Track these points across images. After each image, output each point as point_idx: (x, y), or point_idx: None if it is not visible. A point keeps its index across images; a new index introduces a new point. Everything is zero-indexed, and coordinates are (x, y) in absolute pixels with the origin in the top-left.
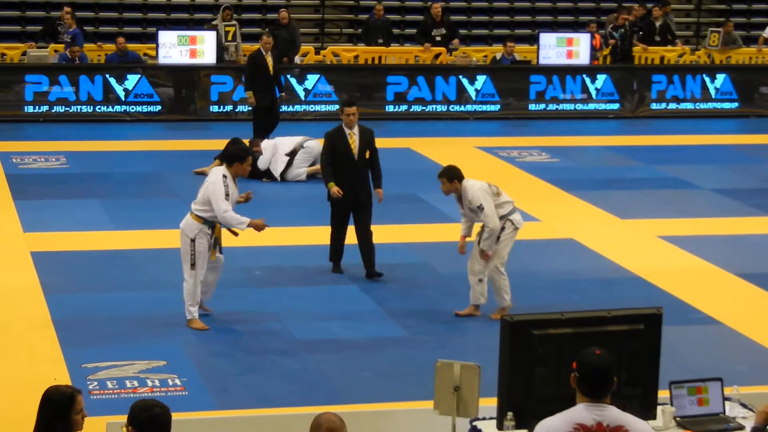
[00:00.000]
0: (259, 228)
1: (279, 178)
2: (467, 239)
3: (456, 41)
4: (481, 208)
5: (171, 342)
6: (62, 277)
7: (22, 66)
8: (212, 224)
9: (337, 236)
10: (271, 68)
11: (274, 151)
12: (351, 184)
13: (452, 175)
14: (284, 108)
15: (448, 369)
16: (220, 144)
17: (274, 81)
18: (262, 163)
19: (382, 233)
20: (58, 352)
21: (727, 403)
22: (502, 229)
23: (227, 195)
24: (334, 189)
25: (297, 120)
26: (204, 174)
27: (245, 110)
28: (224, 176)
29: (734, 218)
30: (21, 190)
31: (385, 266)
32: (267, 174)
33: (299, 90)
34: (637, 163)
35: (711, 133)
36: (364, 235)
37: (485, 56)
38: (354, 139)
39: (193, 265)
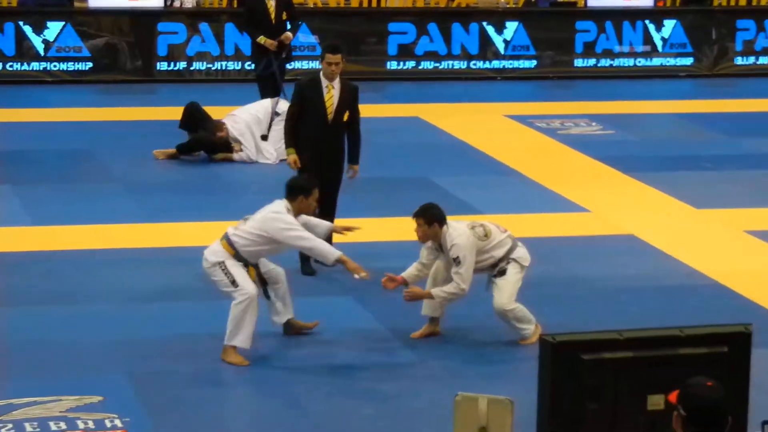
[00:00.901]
0: (355, 270)
1: (277, 161)
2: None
3: None
4: (457, 261)
5: (109, 372)
6: None
7: None
8: (245, 262)
9: None
10: (273, 15)
11: (252, 136)
12: (320, 152)
13: (431, 217)
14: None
15: (471, 405)
16: (169, 112)
17: (277, 32)
18: (248, 156)
19: (385, 228)
20: None
21: None
22: (503, 272)
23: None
24: (291, 158)
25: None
26: (168, 158)
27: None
28: (289, 211)
29: None
30: None
31: (390, 271)
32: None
33: None
34: (716, 135)
35: None
36: (325, 217)
37: None
38: (332, 94)
39: (234, 282)
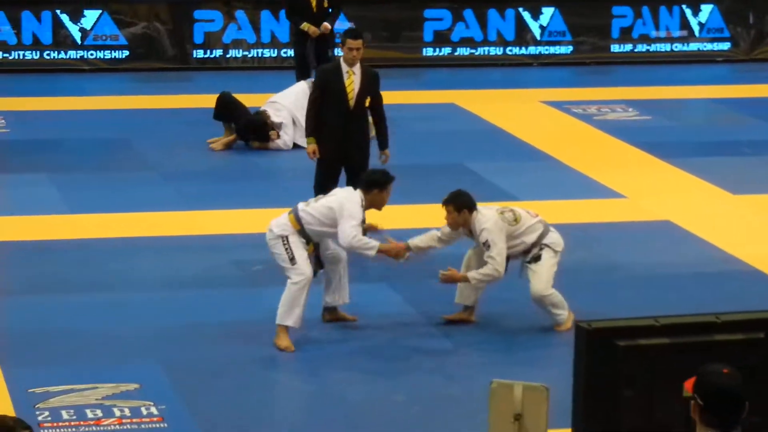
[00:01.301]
0: (397, 255)
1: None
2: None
3: None
4: (487, 245)
5: (145, 360)
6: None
7: None
8: (308, 239)
9: None
10: (314, 3)
11: (294, 123)
12: (341, 139)
13: (461, 204)
14: (290, 53)
15: (506, 392)
16: (205, 100)
17: (319, 20)
18: (284, 143)
19: (420, 215)
20: None
21: None
22: (538, 258)
23: (363, 222)
24: (311, 147)
25: None
26: (219, 147)
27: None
28: (362, 204)
29: None
30: None
31: (425, 258)
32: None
33: None
34: (753, 120)
35: None
36: None
37: None
38: (352, 80)
39: (293, 260)
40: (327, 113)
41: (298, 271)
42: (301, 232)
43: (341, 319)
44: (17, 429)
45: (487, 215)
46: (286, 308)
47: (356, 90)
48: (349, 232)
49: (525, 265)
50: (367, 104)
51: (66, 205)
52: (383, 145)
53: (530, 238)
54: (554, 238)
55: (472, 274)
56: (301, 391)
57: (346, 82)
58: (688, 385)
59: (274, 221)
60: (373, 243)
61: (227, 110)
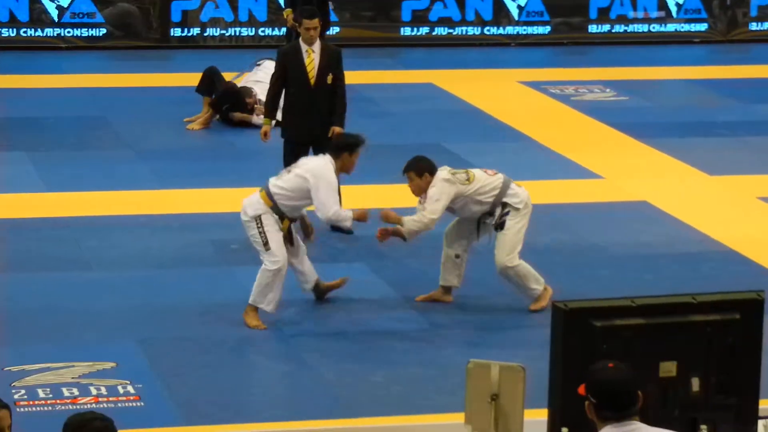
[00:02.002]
0: (363, 218)
1: None
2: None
3: None
4: (425, 198)
5: (122, 338)
6: None
7: None
8: (281, 215)
9: None
10: None
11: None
12: (305, 118)
13: (421, 168)
14: (268, 32)
15: (483, 372)
16: (183, 78)
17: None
18: None
19: (397, 196)
20: None
21: None
22: (502, 225)
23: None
24: (264, 129)
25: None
26: (197, 126)
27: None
28: (333, 168)
29: None
30: None
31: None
32: None
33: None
34: (731, 101)
35: None
36: None
37: None
38: (312, 58)
39: (266, 244)
40: (290, 93)
41: (272, 258)
42: (274, 208)
43: (331, 287)
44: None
45: (439, 175)
46: (259, 290)
47: (316, 68)
48: (329, 206)
49: (495, 234)
50: (329, 81)
51: (43, 183)
52: (337, 122)
53: (487, 197)
54: (516, 194)
55: (406, 218)
56: (279, 371)
57: (306, 60)
58: (581, 389)
59: (246, 200)
60: (348, 213)
61: (210, 84)
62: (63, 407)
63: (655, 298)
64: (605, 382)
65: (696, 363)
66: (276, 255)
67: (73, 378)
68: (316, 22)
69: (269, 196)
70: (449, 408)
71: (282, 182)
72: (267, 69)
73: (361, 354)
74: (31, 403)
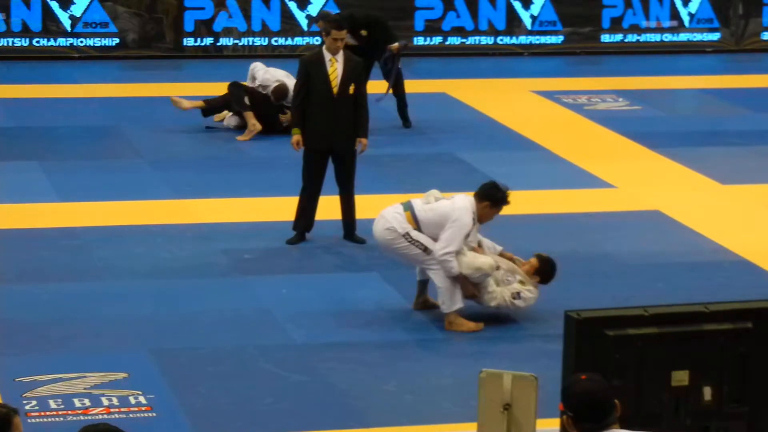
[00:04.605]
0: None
1: None
2: None
3: None
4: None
5: (134, 348)
6: None
7: None
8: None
9: (305, 196)
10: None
11: None
12: (326, 128)
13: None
14: (281, 41)
15: (496, 381)
16: (197, 88)
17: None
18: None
19: None
20: None
21: None
22: None
23: (466, 237)
24: (295, 138)
25: (298, 57)
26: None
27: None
28: (473, 218)
29: None
30: None
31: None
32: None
33: (300, 18)
34: (743, 110)
35: None
36: (342, 192)
37: None
38: (335, 68)
39: (426, 249)
40: (312, 102)
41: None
42: (418, 230)
43: (432, 305)
44: (9, 414)
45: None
46: (449, 294)
47: (339, 77)
48: (446, 247)
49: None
50: (351, 92)
51: (56, 193)
52: (361, 132)
53: None
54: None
55: None
56: (291, 381)
57: (329, 69)
58: (561, 405)
59: (390, 216)
60: (456, 269)
61: (240, 98)
62: (74, 418)
63: (667, 307)
64: (581, 394)
65: (708, 372)
66: (443, 250)
67: (84, 388)
68: (344, 33)
69: (414, 218)
70: (462, 418)
71: (429, 209)
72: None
73: (374, 363)
74: (42, 414)
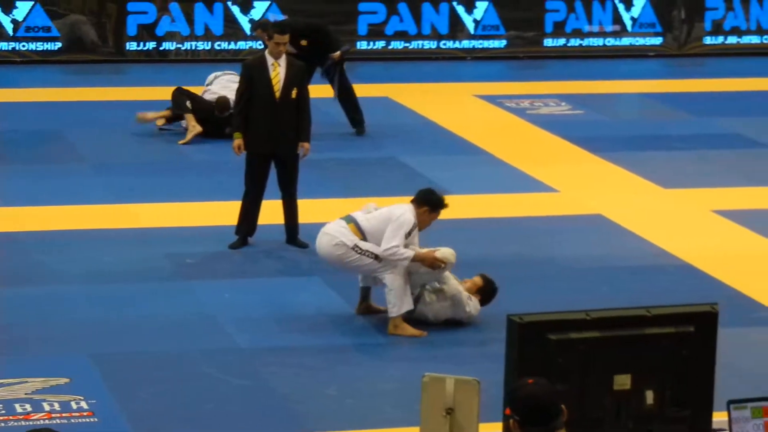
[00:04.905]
0: (433, 265)
1: None
2: None
3: None
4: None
5: (76, 353)
6: None
7: None
8: None
9: (248, 200)
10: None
11: None
12: (269, 132)
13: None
14: (224, 45)
15: (438, 385)
16: (139, 92)
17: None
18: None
19: (353, 208)
20: None
21: None
22: None
23: (407, 235)
24: (236, 142)
25: (240, 61)
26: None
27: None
28: (415, 219)
29: None
30: None
31: None
32: None
33: (243, 22)
34: (685, 115)
35: None
36: (285, 196)
37: None
38: (278, 72)
39: (377, 257)
40: (254, 106)
41: (389, 265)
42: (364, 240)
43: (377, 311)
44: None
45: None
46: (398, 298)
47: (282, 81)
48: (388, 244)
49: None
50: (293, 96)
51: None
52: (303, 137)
53: None
54: None
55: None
56: (233, 386)
57: (272, 74)
58: (508, 409)
59: (334, 230)
60: (408, 253)
61: (182, 102)
62: (16, 423)
63: (610, 311)
64: (527, 398)
65: (650, 376)
66: (386, 245)
67: (26, 394)
68: (287, 37)
69: (359, 229)
70: (404, 422)
71: (372, 218)
72: (221, 82)
73: (315, 368)
74: None
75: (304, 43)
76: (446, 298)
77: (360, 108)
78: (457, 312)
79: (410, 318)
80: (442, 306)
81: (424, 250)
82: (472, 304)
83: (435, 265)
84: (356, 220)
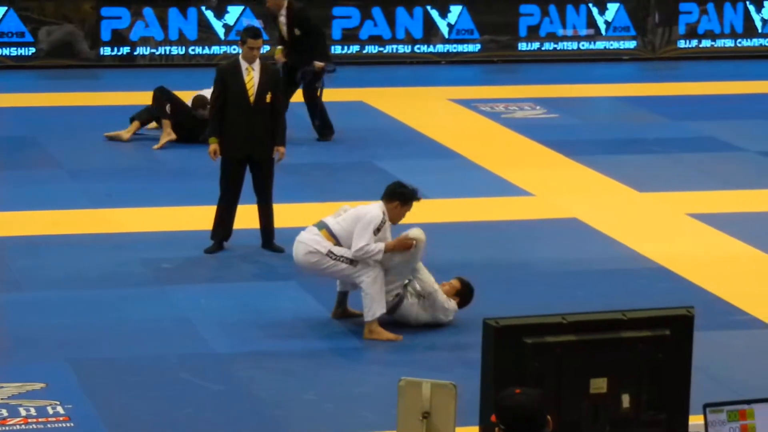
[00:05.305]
0: (405, 247)
1: None
2: None
3: None
4: None
5: (52, 358)
6: None
7: None
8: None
9: (223, 205)
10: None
11: None
12: (243, 136)
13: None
14: (198, 50)
15: (414, 390)
16: (114, 97)
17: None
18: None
19: (328, 213)
20: None
21: None
22: None
23: (377, 231)
24: (212, 147)
25: (215, 66)
26: (118, 138)
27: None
28: (383, 214)
29: None
30: None
31: None
32: None
33: (218, 27)
34: (660, 118)
35: (758, 79)
36: (260, 201)
37: None
38: (252, 76)
39: (352, 262)
40: (229, 111)
41: (365, 268)
42: (338, 245)
43: (353, 315)
44: None
45: None
46: (374, 302)
47: (256, 86)
48: (357, 243)
49: None
50: (268, 100)
51: None
52: (278, 141)
53: None
54: None
55: None
56: (210, 391)
57: (246, 78)
58: (493, 417)
59: (308, 239)
60: (379, 247)
61: (162, 106)
62: None
63: (586, 314)
64: (514, 408)
65: (626, 379)
66: (367, 263)
67: (2, 399)
68: (260, 42)
69: (331, 234)
70: (381, 426)
71: (341, 221)
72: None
73: (293, 372)
74: None
75: (297, 32)
76: (426, 298)
77: (326, 116)
78: (437, 313)
79: (392, 321)
80: (424, 307)
81: (394, 240)
82: (451, 305)
83: (406, 244)
84: (327, 225)
